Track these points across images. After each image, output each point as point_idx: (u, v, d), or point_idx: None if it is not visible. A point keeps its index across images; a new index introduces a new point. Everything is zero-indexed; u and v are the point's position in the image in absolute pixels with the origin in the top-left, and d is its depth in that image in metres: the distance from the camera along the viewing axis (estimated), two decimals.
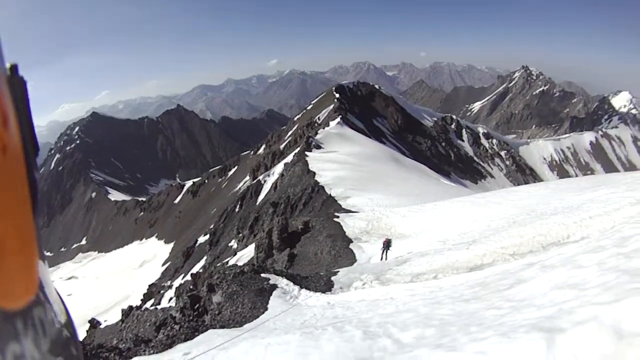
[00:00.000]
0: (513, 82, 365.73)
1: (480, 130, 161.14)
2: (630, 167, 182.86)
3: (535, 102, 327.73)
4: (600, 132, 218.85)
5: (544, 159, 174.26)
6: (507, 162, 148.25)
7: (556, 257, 7.92)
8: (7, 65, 0.72)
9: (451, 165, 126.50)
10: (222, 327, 11.82)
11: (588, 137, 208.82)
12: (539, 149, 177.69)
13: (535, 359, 3.77)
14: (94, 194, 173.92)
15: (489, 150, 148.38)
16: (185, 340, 10.32)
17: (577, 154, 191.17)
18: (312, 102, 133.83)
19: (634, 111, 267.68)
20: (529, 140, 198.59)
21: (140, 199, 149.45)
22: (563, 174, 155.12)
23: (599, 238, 8.45)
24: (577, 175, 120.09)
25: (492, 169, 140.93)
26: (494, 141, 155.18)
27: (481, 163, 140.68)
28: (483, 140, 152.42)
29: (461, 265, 13.74)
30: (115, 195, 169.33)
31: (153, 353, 9.90)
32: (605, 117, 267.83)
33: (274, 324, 10.23)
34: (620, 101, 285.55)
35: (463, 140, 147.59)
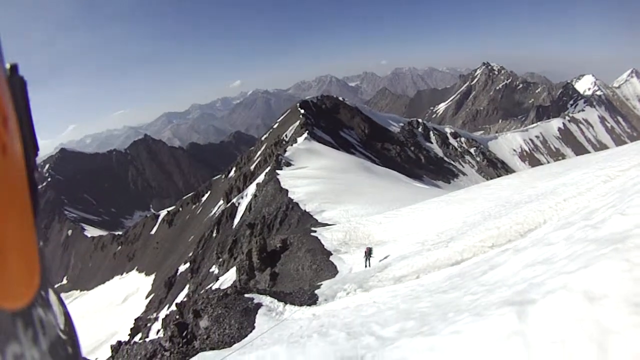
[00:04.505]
0: (475, 80, 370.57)
1: (448, 130, 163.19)
2: (600, 147, 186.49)
3: (499, 96, 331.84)
4: (567, 118, 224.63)
5: (514, 150, 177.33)
6: (478, 159, 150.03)
7: (527, 239, 8.09)
8: (7, 65, 0.72)
9: (422, 168, 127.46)
10: (212, 349, 11.79)
11: (556, 123, 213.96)
12: (508, 142, 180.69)
13: (507, 330, 3.90)
14: (70, 232, 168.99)
15: (459, 149, 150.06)
16: None
17: (546, 142, 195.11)
18: (278, 120, 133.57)
19: (598, 92, 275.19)
20: (497, 134, 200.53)
21: (116, 233, 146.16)
22: (534, 162, 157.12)
23: (568, 215, 8.64)
24: (548, 162, 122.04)
25: (463, 167, 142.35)
26: (462, 139, 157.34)
27: (452, 162, 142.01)
28: (451, 140, 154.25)
29: (442, 263, 13.87)
30: (91, 231, 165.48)
31: None
32: (571, 102, 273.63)
33: (262, 341, 10.21)
34: (584, 85, 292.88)
35: (431, 142, 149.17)
